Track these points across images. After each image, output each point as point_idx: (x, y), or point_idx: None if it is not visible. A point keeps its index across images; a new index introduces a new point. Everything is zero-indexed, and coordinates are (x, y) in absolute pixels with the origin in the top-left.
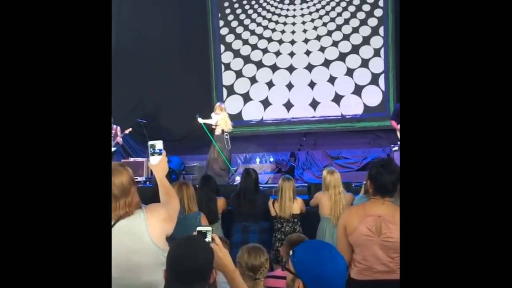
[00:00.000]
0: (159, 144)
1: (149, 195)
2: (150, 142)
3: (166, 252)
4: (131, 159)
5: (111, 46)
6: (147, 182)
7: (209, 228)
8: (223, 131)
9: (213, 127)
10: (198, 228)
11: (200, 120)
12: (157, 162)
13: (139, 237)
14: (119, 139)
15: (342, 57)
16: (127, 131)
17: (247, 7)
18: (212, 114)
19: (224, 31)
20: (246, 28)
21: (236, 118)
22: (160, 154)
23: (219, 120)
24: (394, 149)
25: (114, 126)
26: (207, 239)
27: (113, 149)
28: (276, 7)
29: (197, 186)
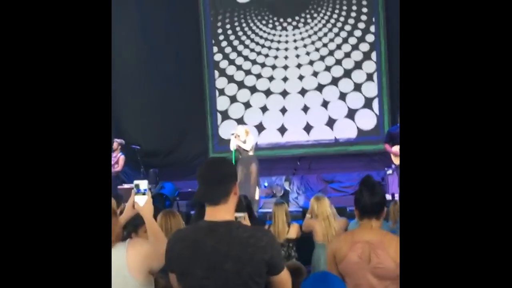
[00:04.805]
0: (143, 184)
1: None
2: (135, 182)
3: (146, 286)
4: (125, 186)
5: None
6: None
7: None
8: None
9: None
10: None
11: (236, 143)
12: (144, 204)
13: (117, 271)
14: (119, 168)
15: (334, 81)
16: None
17: (240, 33)
18: (234, 138)
19: (218, 57)
20: (239, 54)
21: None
22: (144, 194)
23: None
24: (388, 172)
25: (119, 154)
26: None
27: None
28: (269, 33)
29: (191, 213)
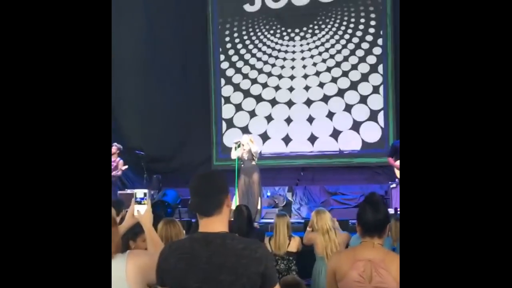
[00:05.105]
0: (140, 193)
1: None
2: (135, 191)
3: None
4: (128, 191)
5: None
6: None
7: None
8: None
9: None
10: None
11: (237, 153)
12: (144, 213)
13: (116, 284)
14: (119, 173)
15: (340, 93)
16: (123, 168)
17: (247, 42)
18: (235, 146)
19: (224, 65)
20: (246, 62)
21: None
22: (141, 202)
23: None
24: (392, 186)
25: (118, 159)
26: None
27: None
28: (276, 43)
29: (192, 221)
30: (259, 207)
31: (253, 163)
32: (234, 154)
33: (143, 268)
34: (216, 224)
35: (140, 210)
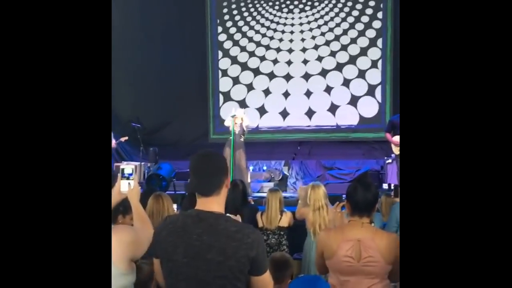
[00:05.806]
0: (128, 168)
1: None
2: (121, 166)
3: (129, 275)
4: (124, 163)
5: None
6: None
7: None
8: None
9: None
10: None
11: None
12: (132, 189)
13: None
14: (113, 145)
15: (339, 67)
16: (123, 139)
17: (245, 14)
18: (228, 119)
19: (222, 37)
20: (244, 35)
21: None
22: (128, 178)
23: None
24: (388, 161)
25: None
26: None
27: None
28: (275, 15)
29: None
30: (249, 180)
31: (241, 139)
32: (228, 123)
33: (127, 244)
34: (213, 204)
35: (125, 186)
